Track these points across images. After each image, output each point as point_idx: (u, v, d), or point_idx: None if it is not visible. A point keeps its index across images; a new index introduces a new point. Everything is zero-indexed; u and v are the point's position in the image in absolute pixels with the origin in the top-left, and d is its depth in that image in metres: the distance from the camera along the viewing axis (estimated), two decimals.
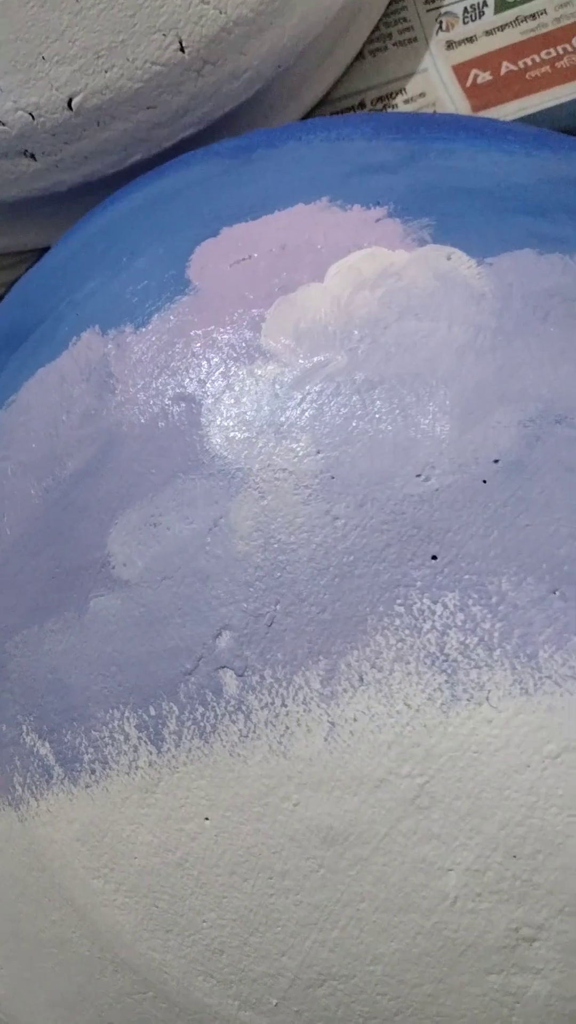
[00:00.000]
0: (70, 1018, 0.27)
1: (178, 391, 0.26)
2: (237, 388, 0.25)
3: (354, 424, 0.24)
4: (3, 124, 0.34)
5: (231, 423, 0.25)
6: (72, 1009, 0.27)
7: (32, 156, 0.35)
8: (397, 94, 0.39)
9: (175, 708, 0.24)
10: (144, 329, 0.27)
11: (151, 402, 0.26)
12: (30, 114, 0.34)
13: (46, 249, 0.40)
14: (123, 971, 0.25)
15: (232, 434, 0.25)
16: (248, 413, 0.25)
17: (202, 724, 0.24)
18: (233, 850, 0.23)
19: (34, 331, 0.30)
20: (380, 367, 0.24)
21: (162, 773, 0.24)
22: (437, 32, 0.39)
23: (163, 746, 0.24)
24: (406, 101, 0.39)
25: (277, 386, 0.25)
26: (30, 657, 0.26)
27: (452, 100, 0.38)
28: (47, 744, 0.25)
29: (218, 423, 0.25)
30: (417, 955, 0.22)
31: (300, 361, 0.25)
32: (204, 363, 0.26)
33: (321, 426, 0.24)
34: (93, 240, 0.31)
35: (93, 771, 0.25)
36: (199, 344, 0.26)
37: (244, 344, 0.26)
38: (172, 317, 0.27)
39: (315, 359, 0.25)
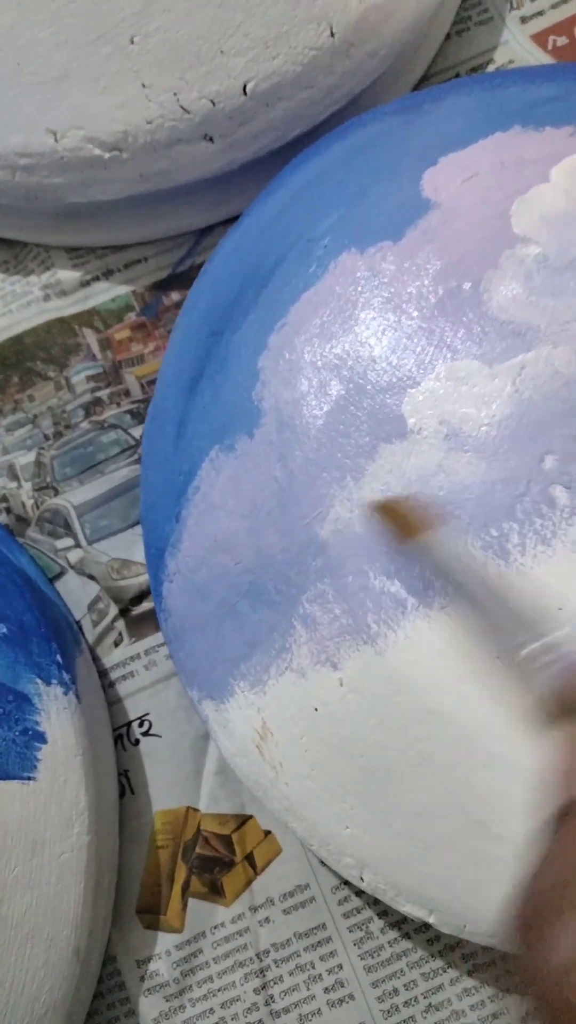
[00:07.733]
0: (422, 786, 0.31)
1: (455, 279, 0.31)
2: (506, 267, 0.31)
3: None
4: (188, 112, 0.39)
5: (510, 293, 0.30)
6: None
7: (211, 139, 0.40)
8: (488, 64, 0.45)
9: (515, 525, 0.29)
10: (402, 241, 0.32)
11: (429, 293, 0.31)
12: (211, 101, 0.39)
13: (206, 229, 0.45)
14: (494, 765, 0.29)
15: (514, 302, 0.30)
16: (521, 284, 0.30)
17: (543, 533, 0.29)
18: None
19: (276, 269, 0.35)
20: None
21: (512, 580, 0.29)
22: (509, 11, 0.46)
23: (509, 558, 0.29)
24: (497, 68, 0.45)
25: (540, 260, 0.30)
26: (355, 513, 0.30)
27: (539, 62, 0.44)
28: (396, 582, 0.30)
29: (502, 294, 0.30)
30: None
31: (552, 239, 0.31)
32: (471, 254, 0.31)
33: None
34: (304, 192, 0.36)
35: (446, 593, 0.29)
36: (461, 242, 0.31)
37: (500, 235, 0.31)
38: (425, 226, 0.32)
39: (565, 237, 0.31)
